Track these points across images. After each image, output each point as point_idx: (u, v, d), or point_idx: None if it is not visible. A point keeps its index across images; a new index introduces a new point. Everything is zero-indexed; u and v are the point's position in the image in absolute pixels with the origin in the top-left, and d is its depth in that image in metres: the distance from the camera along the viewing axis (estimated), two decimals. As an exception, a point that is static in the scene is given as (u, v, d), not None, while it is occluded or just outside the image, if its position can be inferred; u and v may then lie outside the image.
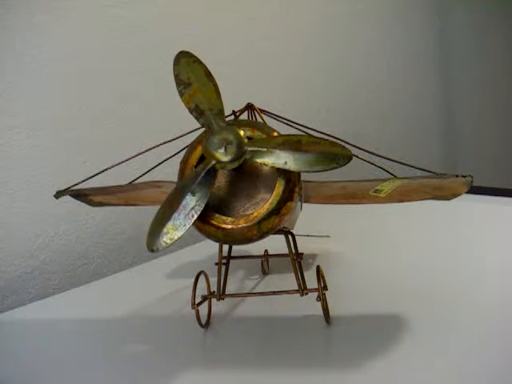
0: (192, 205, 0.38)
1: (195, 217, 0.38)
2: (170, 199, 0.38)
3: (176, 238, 0.37)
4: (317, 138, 0.39)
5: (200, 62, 0.42)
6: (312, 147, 0.38)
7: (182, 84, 0.42)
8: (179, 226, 0.37)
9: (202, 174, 0.38)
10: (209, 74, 0.42)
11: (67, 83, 0.66)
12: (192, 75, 0.42)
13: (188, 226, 0.37)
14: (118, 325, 0.51)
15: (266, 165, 0.40)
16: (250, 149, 0.38)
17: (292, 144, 0.38)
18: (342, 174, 0.62)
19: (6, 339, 0.51)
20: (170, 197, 0.39)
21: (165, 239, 0.37)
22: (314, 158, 0.37)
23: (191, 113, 0.41)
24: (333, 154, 0.37)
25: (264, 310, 0.51)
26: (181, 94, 0.41)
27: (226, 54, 0.86)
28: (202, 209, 0.38)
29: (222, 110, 0.41)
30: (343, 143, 0.40)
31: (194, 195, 0.38)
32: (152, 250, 0.37)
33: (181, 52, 0.43)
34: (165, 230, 0.37)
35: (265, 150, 0.38)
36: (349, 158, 0.37)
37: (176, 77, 0.42)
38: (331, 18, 1.09)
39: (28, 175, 0.63)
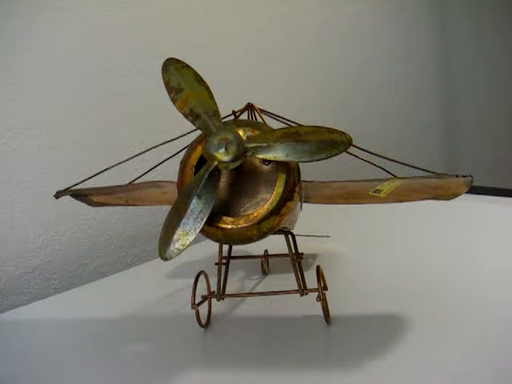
0: (200, 208, 0.38)
1: (204, 220, 0.37)
2: (177, 205, 0.38)
3: (188, 243, 0.37)
4: (314, 126, 0.39)
5: (188, 67, 0.42)
6: (311, 136, 0.38)
7: (174, 91, 0.42)
8: (189, 230, 0.37)
9: (206, 176, 0.38)
10: (199, 78, 0.42)
11: (67, 83, 0.66)
12: (182, 81, 0.42)
13: (198, 230, 0.37)
14: (118, 325, 0.51)
15: (267, 160, 0.39)
16: (250, 146, 0.38)
17: (291, 136, 0.38)
18: (343, 174, 0.62)
19: (6, 339, 0.51)
20: (177, 203, 0.38)
21: (177, 246, 0.37)
22: (315, 146, 0.37)
23: (186, 117, 0.41)
24: (333, 140, 0.37)
25: (264, 310, 0.51)
26: (173, 101, 0.41)
27: (226, 54, 0.86)
28: (209, 211, 0.38)
29: (216, 111, 0.40)
30: None
31: (200, 198, 0.38)
32: (165, 259, 0.37)
33: (168, 59, 0.43)
34: (175, 236, 0.37)
35: (265, 145, 0.38)
36: (349, 142, 0.37)
37: (166, 84, 0.42)
38: (331, 18, 1.09)
39: (28, 175, 0.63)
